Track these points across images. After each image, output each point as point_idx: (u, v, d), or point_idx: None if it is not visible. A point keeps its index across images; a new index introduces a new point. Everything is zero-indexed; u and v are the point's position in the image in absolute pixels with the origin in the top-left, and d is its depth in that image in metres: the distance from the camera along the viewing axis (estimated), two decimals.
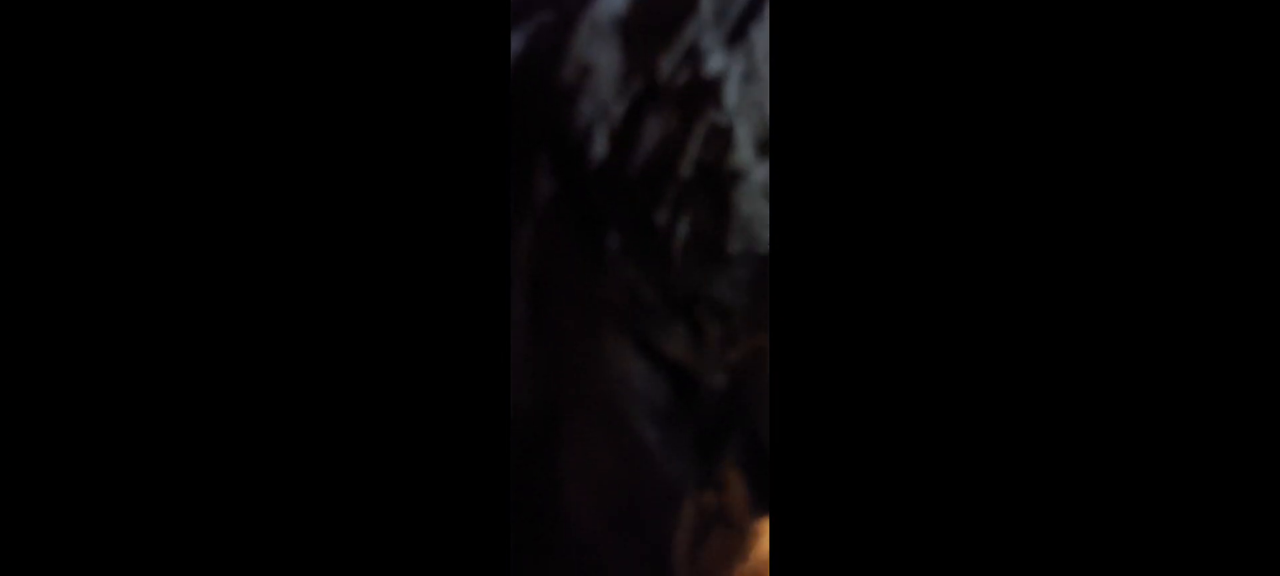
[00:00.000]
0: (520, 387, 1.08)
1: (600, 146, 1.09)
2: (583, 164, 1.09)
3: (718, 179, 1.05)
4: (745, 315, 1.04)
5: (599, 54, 1.11)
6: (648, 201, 1.07)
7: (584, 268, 1.07)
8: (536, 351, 1.08)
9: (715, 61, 1.09)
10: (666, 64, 1.09)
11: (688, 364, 1.05)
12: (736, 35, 1.10)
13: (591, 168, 1.09)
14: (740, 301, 1.05)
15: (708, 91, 1.08)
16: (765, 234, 1.05)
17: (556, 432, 1.07)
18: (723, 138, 1.06)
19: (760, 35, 1.10)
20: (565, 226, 1.09)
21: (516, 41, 1.11)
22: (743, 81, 1.08)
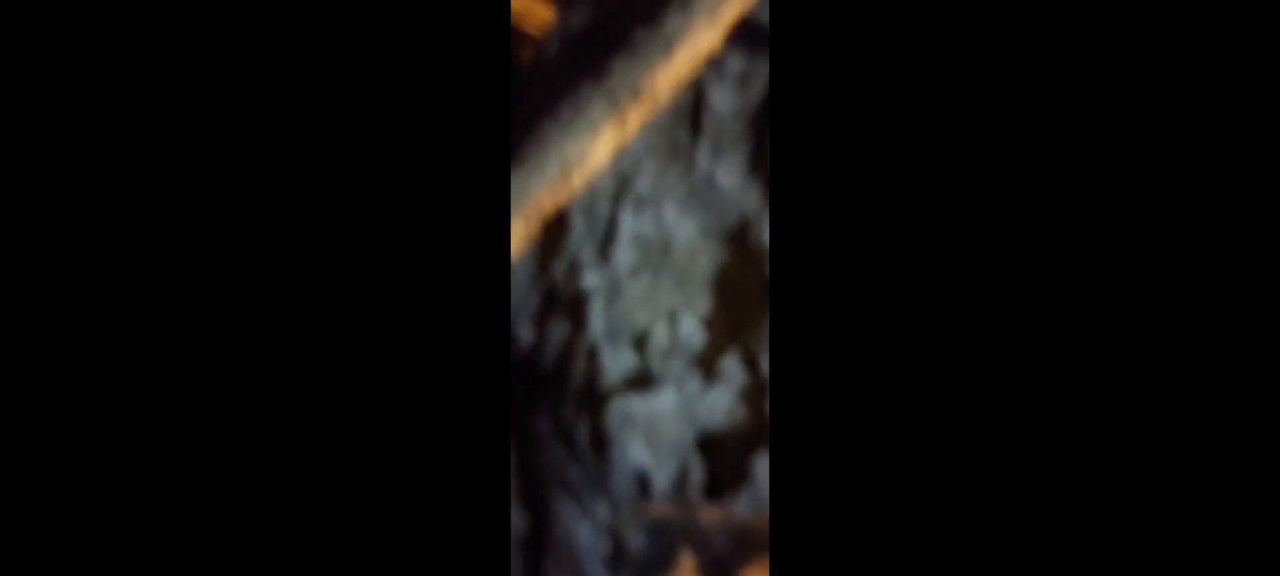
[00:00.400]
0: (515, 516, 1.25)
1: (527, 334, 1.20)
2: (515, 347, 1.21)
3: (595, 398, 1.15)
4: (635, 504, 1.16)
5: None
6: (558, 397, 1.18)
7: (529, 439, 1.21)
8: (519, 492, 1.24)
9: (590, 278, 1.15)
10: (559, 270, 1.17)
11: (616, 526, 1.18)
12: (605, 246, 1.15)
13: (521, 352, 1.20)
14: (632, 494, 1.16)
15: (583, 309, 1.15)
16: (641, 445, 1.14)
17: (540, 565, 1.25)
18: (594, 359, 1.15)
19: (622, 248, 1.15)
20: (515, 400, 1.22)
21: None
22: (608, 302, 1.15)
